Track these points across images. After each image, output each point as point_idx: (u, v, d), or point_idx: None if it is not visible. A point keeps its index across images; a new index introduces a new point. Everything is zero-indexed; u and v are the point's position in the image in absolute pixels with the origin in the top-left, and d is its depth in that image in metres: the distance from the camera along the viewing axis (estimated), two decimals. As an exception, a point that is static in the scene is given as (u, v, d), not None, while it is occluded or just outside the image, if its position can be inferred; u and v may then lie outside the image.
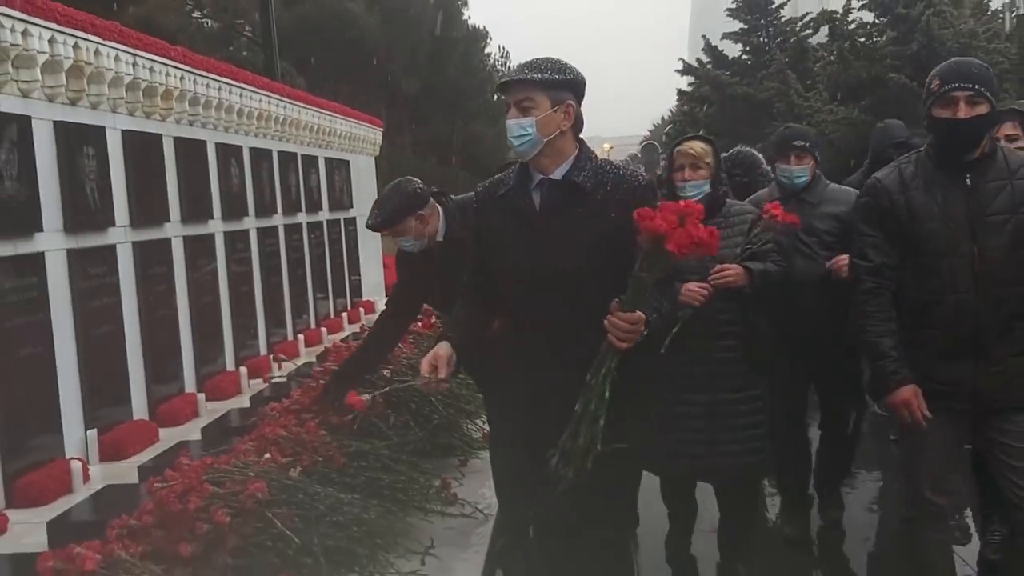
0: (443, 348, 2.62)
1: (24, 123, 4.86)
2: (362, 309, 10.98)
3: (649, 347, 2.54)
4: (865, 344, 2.98)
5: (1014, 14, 15.01)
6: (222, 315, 7.29)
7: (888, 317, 2.94)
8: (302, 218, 9.46)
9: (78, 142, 5.31)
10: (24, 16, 4.77)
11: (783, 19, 26.27)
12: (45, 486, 4.57)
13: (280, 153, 8.88)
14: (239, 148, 7.85)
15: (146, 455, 5.26)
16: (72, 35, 5.19)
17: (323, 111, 10.38)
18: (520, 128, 2.48)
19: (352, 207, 11.48)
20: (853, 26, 19.51)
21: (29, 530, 4.16)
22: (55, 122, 5.14)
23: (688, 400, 3.45)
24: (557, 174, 2.53)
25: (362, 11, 23.05)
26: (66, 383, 5.08)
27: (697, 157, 3.51)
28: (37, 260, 4.91)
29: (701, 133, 4.00)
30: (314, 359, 7.08)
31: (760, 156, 5.44)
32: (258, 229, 8.16)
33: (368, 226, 3.77)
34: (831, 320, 3.70)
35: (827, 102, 19.14)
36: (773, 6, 26.06)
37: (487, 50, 36.49)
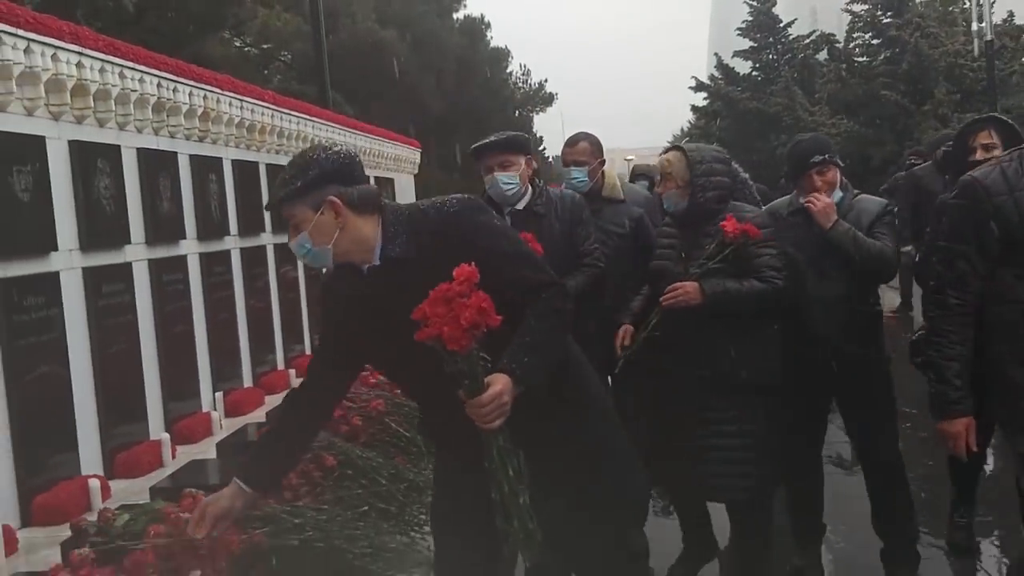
0: (221, 501, 2.46)
1: (171, 158, 6.41)
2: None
3: (550, 383, 2.26)
4: (933, 363, 2.73)
5: (982, 39, 16.29)
6: (273, 319, 8.13)
7: (963, 339, 2.65)
8: (358, 229, 10.99)
9: (207, 172, 6.88)
10: (173, 76, 6.34)
11: (791, 37, 27.65)
12: (195, 429, 6.09)
13: (341, 174, 10.43)
14: (311, 171, 9.39)
15: (259, 412, 6.77)
16: (200, 87, 6.75)
17: (373, 136, 11.96)
18: (300, 247, 2.30)
19: (397, 220, 13.01)
20: (852, 46, 20.96)
21: (187, 457, 5.67)
22: (190, 156, 6.70)
23: (672, 426, 3.42)
24: (375, 258, 2.30)
25: (395, 38, 24.73)
26: (202, 357, 6.62)
27: (661, 169, 3.51)
28: (180, 261, 6.46)
29: (682, 142, 3.72)
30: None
31: (740, 170, 5.44)
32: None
33: (478, 147, 3.83)
34: (847, 350, 3.53)
35: (830, 116, 20.58)
36: (781, 25, 27.48)
37: (509, 69, 37.72)
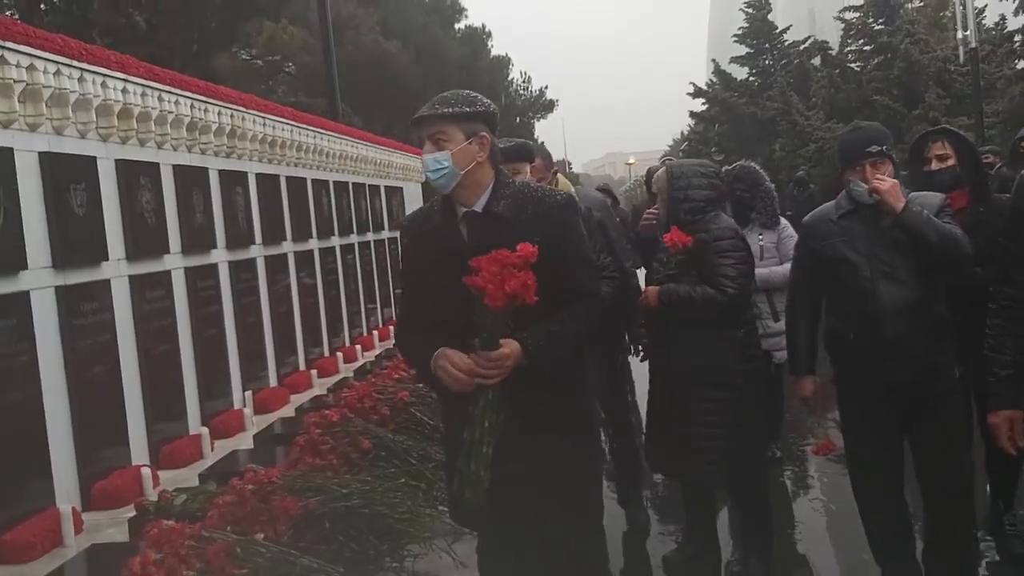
0: (451, 355, 2.42)
1: (203, 173, 6.90)
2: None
3: (559, 369, 2.49)
4: (986, 358, 2.71)
5: (968, 47, 16.74)
6: (294, 322, 8.54)
7: (1013, 332, 2.65)
8: (371, 236, 11.50)
9: (234, 185, 7.37)
10: (204, 97, 6.83)
11: (786, 43, 28.16)
12: (230, 424, 6.56)
13: (354, 185, 10.94)
14: (327, 182, 9.90)
15: (287, 409, 7.24)
16: (228, 107, 7.24)
17: (383, 148, 12.44)
18: (436, 162, 2.48)
19: (406, 227, 13.48)
20: (847, 51, 21.50)
21: (225, 449, 6.14)
22: (220, 171, 7.19)
23: (658, 415, 3.87)
24: (479, 206, 2.51)
25: (398, 50, 25.28)
26: (231, 357, 7.09)
27: (655, 186, 4.08)
28: (212, 269, 6.94)
29: (671, 157, 4.11)
30: (385, 349, 9.08)
31: (763, 172, 5.42)
32: (341, 246, 10.20)
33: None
34: (926, 358, 3.16)
35: (825, 121, 21.07)
36: (776, 31, 28.00)
37: (509, 77, 38.27)
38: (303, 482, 3.51)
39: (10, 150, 4.64)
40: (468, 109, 2.50)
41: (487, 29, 33.02)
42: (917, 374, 3.17)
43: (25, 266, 4.66)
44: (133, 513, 4.48)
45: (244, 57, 28.13)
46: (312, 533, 3.34)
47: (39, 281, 4.79)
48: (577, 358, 2.63)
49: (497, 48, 34.28)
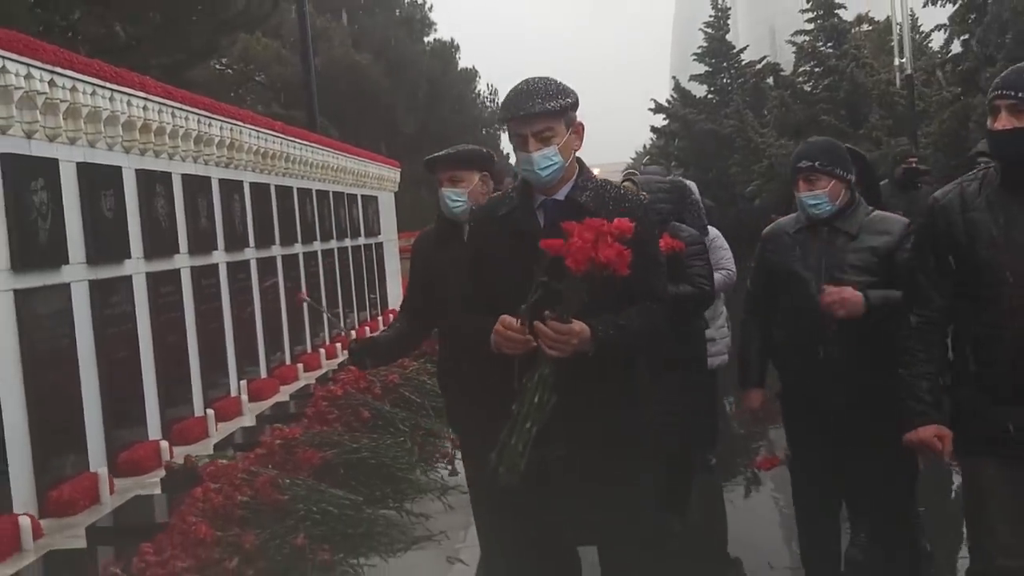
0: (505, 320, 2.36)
1: (207, 183, 7.61)
2: (391, 315, 13.70)
3: (622, 359, 2.50)
4: (903, 384, 2.68)
5: (903, 73, 17.87)
6: (282, 319, 9.31)
7: (930, 358, 2.66)
8: (348, 243, 12.23)
9: (232, 193, 8.09)
10: (208, 113, 7.55)
11: (743, 63, 29.33)
12: (229, 409, 7.26)
13: (334, 193, 11.67)
14: (310, 191, 10.62)
15: (279, 396, 7.95)
16: (228, 122, 7.96)
17: (360, 158, 13.18)
18: (546, 159, 2.45)
19: (380, 234, 14.24)
20: (800, 70, 22.64)
21: (227, 430, 6.84)
22: (220, 179, 7.90)
23: None
24: (560, 194, 2.50)
25: (370, 62, 26.01)
26: (228, 349, 7.80)
27: None
28: (214, 269, 7.65)
29: (639, 169, 4.28)
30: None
31: (692, 186, 5.38)
32: (323, 251, 10.92)
33: (428, 160, 3.54)
34: (872, 384, 3.02)
35: (777, 138, 22.17)
36: (734, 51, 29.16)
37: (477, 89, 39.08)
38: (321, 438, 4.27)
39: (55, 160, 5.35)
40: (569, 100, 2.48)
41: (455, 43, 33.90)
42: (861, 399, 3.07)
43: (67, 261, 5.36)
44: (163, 474, 5.19)
45: (217, 67, 28.65)
46: (330, 478, 4.08)
47: (77, 275, 5.49)
48: (637, 364, 2.61)
49: (464, 61, 35.17)
